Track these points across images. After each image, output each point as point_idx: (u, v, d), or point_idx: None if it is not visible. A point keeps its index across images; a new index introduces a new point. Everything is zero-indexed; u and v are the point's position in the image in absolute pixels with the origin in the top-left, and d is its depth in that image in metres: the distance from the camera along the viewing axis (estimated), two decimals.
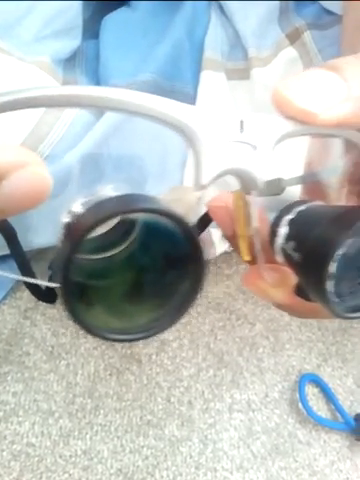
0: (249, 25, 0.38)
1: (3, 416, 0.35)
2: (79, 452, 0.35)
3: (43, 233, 0.35)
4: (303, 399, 0.39)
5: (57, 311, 0.39)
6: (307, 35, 0.36)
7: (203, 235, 0.43)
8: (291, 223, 0.17)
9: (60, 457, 0.35)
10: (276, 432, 0.38)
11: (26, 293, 0.39)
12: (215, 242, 0.40)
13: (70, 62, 0.36)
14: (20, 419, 0.35)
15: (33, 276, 0.32)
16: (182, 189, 0.16)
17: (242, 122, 0.15)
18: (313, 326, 0.43)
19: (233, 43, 0.39)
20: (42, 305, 0.39)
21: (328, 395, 0.40)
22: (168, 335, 0.40)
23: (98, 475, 0.35)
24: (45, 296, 0.34)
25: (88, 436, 0.36)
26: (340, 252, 0.14)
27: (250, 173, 0.16)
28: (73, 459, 0.35)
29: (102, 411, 0.36)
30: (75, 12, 0.35)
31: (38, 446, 0.35)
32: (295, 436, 0.38)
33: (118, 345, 0.39)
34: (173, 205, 0.16)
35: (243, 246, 0.17)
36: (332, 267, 0.14)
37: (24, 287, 0.39)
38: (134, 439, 0.36)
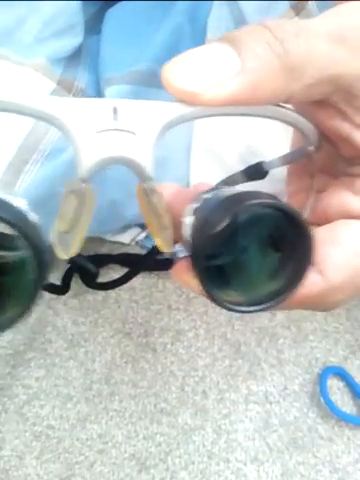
0: (253, 1, 0.36)
1: (26, 399, 0.38)
2: (95, 436, 0.37)
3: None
4: (324, 392, 0.37)
5: (78, 301, 0.41)
6: (312, 4, 0.33)
7: None
8: (195, 212, 0.16)
9: (77, 440, 0.36)
10: (295, 426, 0.37)
11: None
12: None
13: (74, 59, 0.37)
14: (41, 402, 0.37)
15: None
16: (74, 181, 0.16)
17: (116, 109, 0.15)
18: (341, 316, 0.40)
19: (239, 21, 0.37)
20: (64, 296, 0.41)
21: (354, 389, 0.37)
22: (184, 325, 0.40)
23: (112, 459, 0.36)
24: (55, 288, 0.36)
25: (104, 421, 0.37)
26: (214, 244, 0.14)
27: (133, 161, 0.15)
28: (89, 442, 0.36)
29: (117, 397, 0.38)
30: (75, 10, 0.35)
31: (57, 428, 0.37)
32: (316, 431, 0.37)
33: (134, 334, 0.40)
34: (70, 197, 0.16)
35: (157, 238, 0.17)
36: (203, 260, 0.14)
37: (50, 279, 0.41)
38: (148, 426, 0.37)
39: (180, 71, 0.14)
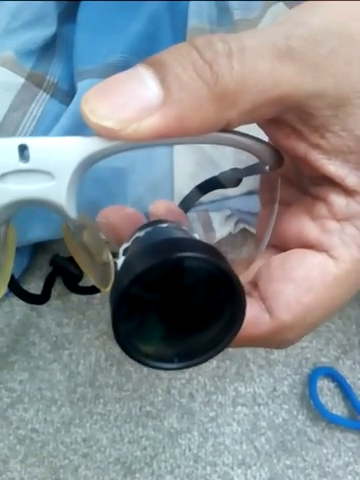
0: None
1: (10, 403, 0.37)
2: (79, 440, 0.36)
3: (38, 227, 0.36)
4: (313, 394, 0.36)
5: (61, 302, 0.40)
6: None
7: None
8: (125, 252, 0.15)
9: (61, 443, 0.36)
10: (283, 428, 0.36)
11: (33, 285, 0.40)
12: (215, 227, 0.38)
13: (47, 51, 0.35)
14: (25, 406, 0.37)
15: (17, 284, 0.33)
16: None
17: (26, 147, 0.13)
18: (333, 315, 0.39)
19: (222, 7, 0.35)
20: None
21: (345, 391, 0.36)
22: None
23: (97, 462, 0.35)
24: (33, 298, 0.35)
25: (88, 424, 0.36)
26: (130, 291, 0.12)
27: (48, 203, 0.14)
28: (73, 446, 0.36)
29: (102, 400, 0.37)
30: None
31: (41, 432, 0.36)
32: (305, 434, 0.36)
33: None
34: None
35: (90, 277, 0.15)
36: (119, 310, 0.12)
37: (31, 280, 0.40)
38: (133, 429, 0.36)
39: (97, 103, 0.13)
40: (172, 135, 0.13)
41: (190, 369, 0.38)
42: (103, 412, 0.37)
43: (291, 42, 0.13)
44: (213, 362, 0.38)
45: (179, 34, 0.35)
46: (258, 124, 0.16)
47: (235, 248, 0.39)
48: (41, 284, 0.38)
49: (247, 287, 0.17)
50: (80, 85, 0.31)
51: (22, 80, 0.31)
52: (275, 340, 0.16)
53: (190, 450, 0.36)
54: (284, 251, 0.17)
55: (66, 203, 0.14)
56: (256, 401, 0.37)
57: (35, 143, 0.13)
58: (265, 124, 0.16)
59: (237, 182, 0.24)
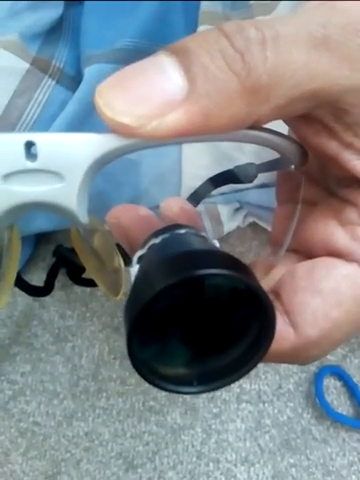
0: None
1: (12, 395, 0.37)
2: (81, 433, 0.36)
3: (42, 218, 0.35)
4: (319, 392, 0.35)
5: (65, 293, 0.39)
6: None
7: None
8: (140, 260, 0.14)
9: (63, 437, 0.36)
10: (288, 426, 0.35)
11: (36, 276, 0.39)
12: (223, 220, 0.37)
13: (53, 33, 0.33)
14: (27, 398, 0.36)
15: (20, 276, 0.32)
16: None
17: (33, 144, 0.12)
18: None
19: None
20: None
21: (351, 390, 0.36)
22: None
23: (98, 457, 0.35)
24: (36, 290, 0.34)
25: (90, 418, 0.36)
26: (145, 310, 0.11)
27: (56, 206, 0.13)
28: (75, 440, 0.36)
29: (105, 394, 0.36)
30: None
31: (43, 425, 0.36)
32: (309, 432, 0.35)
33: (123, 329, 0.38)
34: None
35: (99, 284, 0.15)
36: (136, 326, 0.11)
37: (34, 270, 0.40)
38: (135, 424, 0.36)
39: (113, 96, 0.11)
40: (196, 133, 0.12)
41: None
42: (106, 406, 0.36)
43: (328, 30, 0.12)
44: None
45: (191, 18, 0.33)
46: (284, 120, 0.15)
47: (244, 242, 0.38)
48: (44, 275, 0.37)
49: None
50: (87, 70, 0.30)
51: (27, 65, 0.30)
52: (299, 357, 0.15)
53: (193, 446, 0.35)
54: (307, 257, 0.16)
55: (77, 207, 0.13)
56: (261, 398, 0.36)
57: (43, 140, 0.12)
58: (293, 120, 0.15)
59: (253, 177, 0.23)
